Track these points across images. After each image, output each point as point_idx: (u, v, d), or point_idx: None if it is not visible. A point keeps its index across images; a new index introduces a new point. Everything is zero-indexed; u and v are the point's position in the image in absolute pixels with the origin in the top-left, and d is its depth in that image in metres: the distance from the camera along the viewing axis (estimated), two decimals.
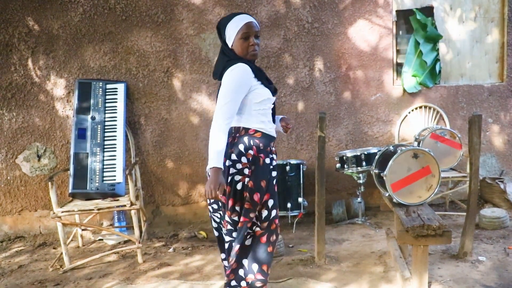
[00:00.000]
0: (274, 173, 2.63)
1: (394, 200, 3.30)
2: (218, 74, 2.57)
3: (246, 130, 2.53)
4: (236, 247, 2.52)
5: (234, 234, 2.54)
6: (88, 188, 4.31)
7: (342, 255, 3.96)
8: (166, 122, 5.01)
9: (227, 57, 2.56)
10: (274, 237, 2.62)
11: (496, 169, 5.29)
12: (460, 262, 3.63)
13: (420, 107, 5.12)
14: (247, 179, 2.49)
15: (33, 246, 4.73)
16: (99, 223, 5.08)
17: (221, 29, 2.59)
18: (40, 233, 5.06)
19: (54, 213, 3.90)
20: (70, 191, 4.30)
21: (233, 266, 2.55)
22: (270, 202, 2.57)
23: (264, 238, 2.57)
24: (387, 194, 3.35)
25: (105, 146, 4.51)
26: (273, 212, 2.59)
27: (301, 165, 4.56)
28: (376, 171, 3.52)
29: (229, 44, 2.56)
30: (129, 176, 4.03)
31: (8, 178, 4.93)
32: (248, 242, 2.54)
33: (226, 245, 2.61)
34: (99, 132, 4.54)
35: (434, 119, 5.09)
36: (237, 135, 2.53)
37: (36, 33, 4.79)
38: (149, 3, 4.83)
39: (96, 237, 4.84)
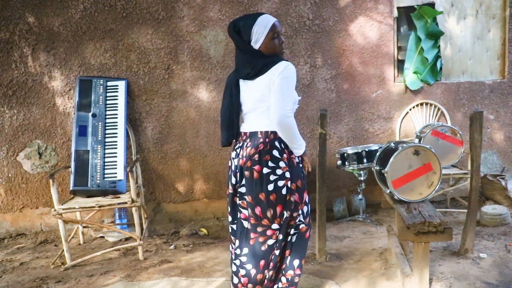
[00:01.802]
0: (304, 170, 2.69)
1: (395, 197, 3.30)
2: (254, 73, 2.50)
3: (275, 133, 2.52)
4: (287, 248, 2.58)
5: (281, 238, 2.56)
6: (89, 186, 4.31)
7: (343, 252, 3.96)
8: (167, 119, 5.01)
9: (260, 56, 2.51)
10: (311, 230, 2.72)
11: (497, 166, 5.28)
12: (461, 259, 3.63)
13: (421, 104, 5.11)
14: (290, 182, 2.51)
15: (35, 243, 4.74)
16: (100, 220, 5.09)
17: (242, 31, 2.50)
18: (42, 230, 5.06)
19: (55, 210, 3.89)
20: (71, 189, 4.30)
21: (283, 267, 2.60)
22: (307, 198, 2.65)
23: (307, 233, 2.67)
24: (388, 191, 3.35)
25: (106, 143, 4.51)
26: (309, 207, 2.68)
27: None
28: (377, 168, 3.52)
29: (257, 45, 2.50)
30: (130, 173, 4.03)
31: (9, 175, 4.94)
32: (293, 239, 2.60)
33: (277, 257, 2.59)
34: (100, 129, 4.53)
35: (435, 116, 5.09)
36: (267, 140, 2.51)
37: (36, 31, 4.78)
38: (149, 0, 4.82)
39: (97, 234, 4.84)
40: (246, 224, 2.59)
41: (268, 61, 2.47)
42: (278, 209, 2.49)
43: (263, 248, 2.55)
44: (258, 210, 2.51)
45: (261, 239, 2.55)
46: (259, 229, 2.54)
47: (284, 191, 2.49)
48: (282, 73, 2.42)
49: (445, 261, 3.60)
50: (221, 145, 2.72)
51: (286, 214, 2.52)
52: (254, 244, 2.56)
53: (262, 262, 2.56)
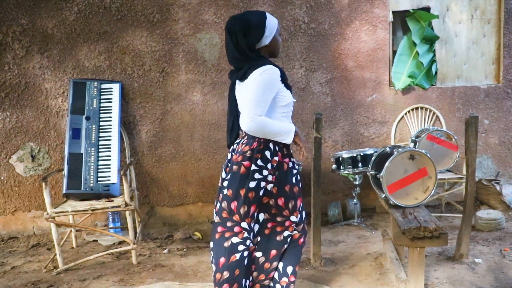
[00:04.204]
0: (298, 176, 2.65)
1: (391, 202, 3.29)
2: (241, 76, 2.49)
3: None
4: (272, 251, 2.54)
5: (248, 242, 2.50)
6: (82, 189, 4.27)
7: (337, 257, 3.95)
8: (161, 122, 4.98)
9: (252, 57, 2.49)
10: (306, 237, 2.70)
11: (492, 171, 5.29)
12: (456, 264, 3.62)
13: (417, 109, 5.11)
14: (270, 185, 2.49)
15: (27, 247, 4.70)
16: (94, 224, 5.05)
17: (256, 26, 2.46)
18: (34, 233, 5.02)
19: (48, 213, 3.86)
20: (64, 192, 4.26)
21: (270, 269, 2.57)
22: (301, 205, 2.62)
23: (301, 240, 2.64)
24: (383, 196, 3.34)
25: (100, 146, 4.48)
26: (303, 214, 2.65)
27: (297, 166, 4.53)
28: (373, 172, 3.51)
29: (267, 41, 2.51)
30: (123, 177, 4.00)
31: (2, 178, 4.89)
32: (286, 246, 2.57)
33: (237, 255, 2.49)
34: (93, 132, 4.50)
35: (430, 121, 5.09)
36: (262, 140, 2.50)
37: (30, 32, 4.75)
38: (144, 2, 4.80)
39: (90, 238, 4.80)
40: (215, 217, 2.57)
41: (254, 64, 2.45)
42: (252, 209, 2.47)
43: (225, 244, 2.48)
44: (233, 205, 2.48)
45: (227, 235, 2.49)
46: (228, 224, 2.49)
47: (261, 193, 2.47)
48: (259, 76, 2.40)
49: (440, 266, 3.59)
50: (227, 146, 2.72)
51: (262, 216, 2.50)
52: (219, 239, 2.52)
53: (222, 260, 2.48)
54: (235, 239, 2.47)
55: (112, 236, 4.57)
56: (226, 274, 2.47)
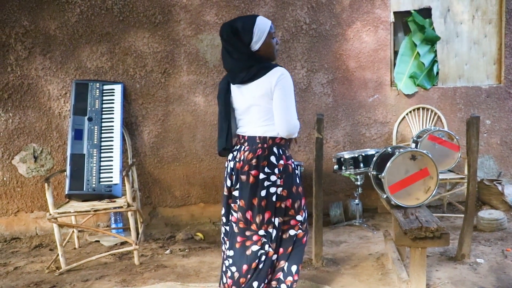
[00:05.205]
0: (300, 176, 2.74)
1: (392, 202, 3.29)
2: (248, 78, 2.49)
3: (273, 139, 2.55)
4: (280, 250, 2.60)
5: (266, 247, 2.56)
6: (84, 190, 4.28)
7: (339, 257, 3.95)
8: (163, 123, 4.99)
9: (255, 59, 2.51)
10: (308, 236, 2.74)
11: (494, 171, 5.28)
12: (458, 264, 3.63)
13: (418, 109, 5.11)
14: (280, 189, 2.53)
15: (29, 248, 4.71)
16: (96, 224, 5.06)
17: (242, 32, 2.49)
18: (36, 234, 5.03)
19: (50, 214, 3.87)
20: (66, 192, 4.27)
21: (278, 269, 2.62)
22: (304, 205, 2.66)
23: (304, 239, 2.68)
24: (385, 196, 3.34)
25: (102, 147, 4.49)
26: (306, 213, 2.69)
27: (299, 167, 4.54)
28: (374, 172, 3.51)
29: (258, 45, 2.51)
30: (126, 178, 4.01)
31: (4, 179, 4.91)
32: (292, 244, 2.62)
33: (257, 261, 2.56)
34: (95, 133, 4.52)
35: (432, 121, 5.09)
36: (265, 145, 2.53)
37: (33, 34, 4.76)
38: (146, 4, 4.81)
39: (92, 238, 4.81)
40: (234, 227, 2.62)
41: (263, 66, 2.47)
42: (267, 215, 2.52)
43: (247, 252, 2.57)
44: (249, 215, 2.54)
45: (247, 243, 2.57)
46: (247, 233, 2.57)
47: (274, 198, 2.52)
48: (280, 83, 2.43)
49: (442, 267, 3.59)
50: (218, 153, 2.71)
51: (277, 220, 2.54)
52: (239, 248, 2.59)
53: (245, 267, 2.56)
54: (255, 247, 2.55)
55: (114, 236, 4.58)
56: (249, 278, 2.56)
